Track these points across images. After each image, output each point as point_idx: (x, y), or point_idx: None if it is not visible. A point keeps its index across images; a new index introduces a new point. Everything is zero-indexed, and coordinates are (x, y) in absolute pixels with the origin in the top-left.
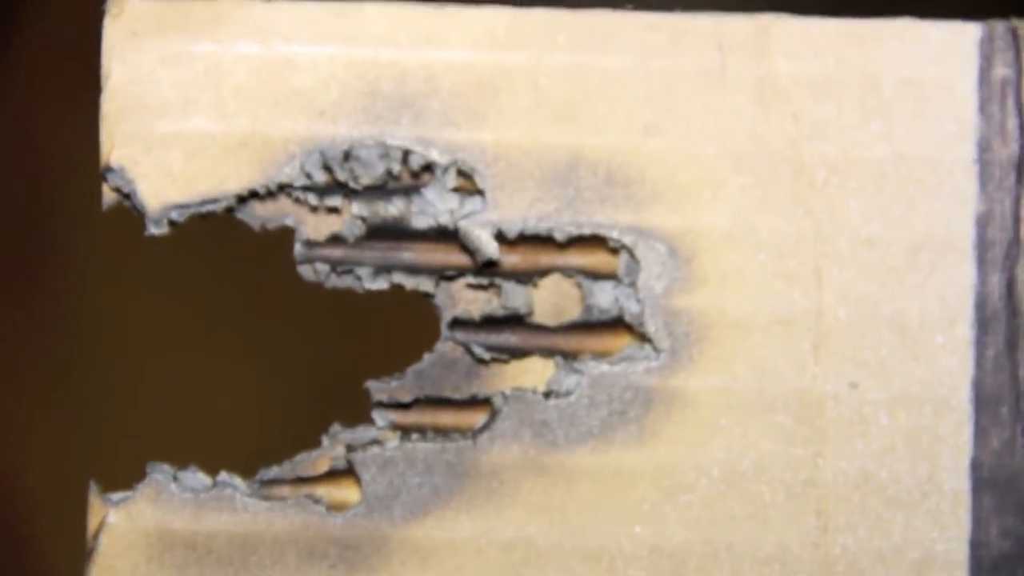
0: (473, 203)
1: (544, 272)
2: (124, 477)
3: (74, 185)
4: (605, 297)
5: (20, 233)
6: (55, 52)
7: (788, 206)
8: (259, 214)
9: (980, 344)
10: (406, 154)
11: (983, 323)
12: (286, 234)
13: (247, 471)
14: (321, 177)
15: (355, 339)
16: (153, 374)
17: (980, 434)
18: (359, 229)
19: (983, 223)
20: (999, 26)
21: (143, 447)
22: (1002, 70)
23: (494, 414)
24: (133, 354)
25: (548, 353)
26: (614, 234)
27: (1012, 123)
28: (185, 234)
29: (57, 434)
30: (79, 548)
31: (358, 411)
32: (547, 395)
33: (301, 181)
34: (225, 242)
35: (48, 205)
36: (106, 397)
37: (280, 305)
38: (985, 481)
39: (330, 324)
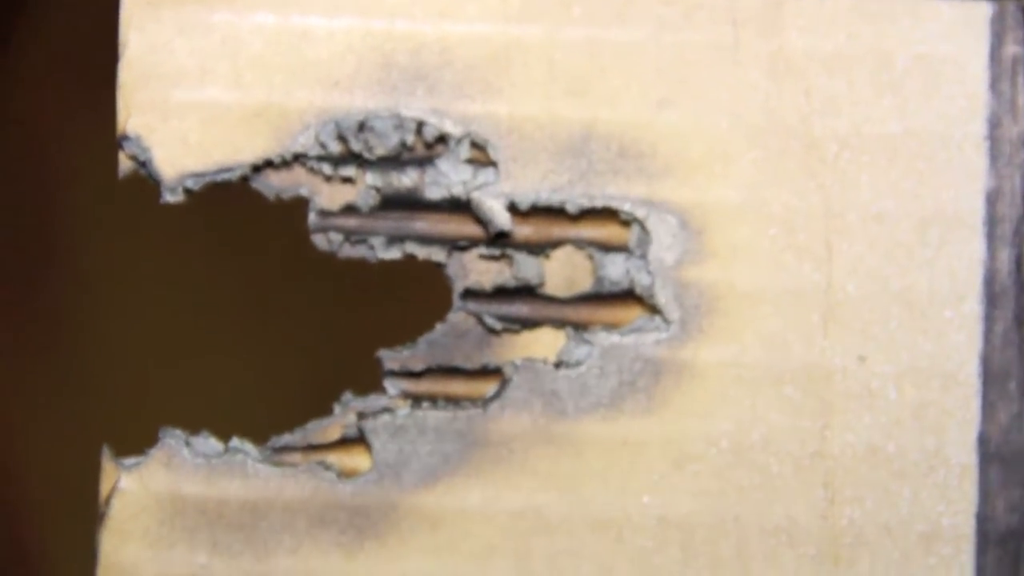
0: (486, 175)
1: (556, 244)
2: (136, 445)
3: (74, 182)
4: (616, 269)
5: (24, 217)
6: (56, 52)
7: (799, 180)
8: (274, 184)
9: (989, 319)
10: (420, 125)
11: (992, 298)
12: (297, 204)
13: (259, 439)
14: (336, 147)
15: (367, 308)
16: (164, 346)
17: (988, 408)
18: (373, 199)
19: (993, 199)
20: (1010, 4)
21: (155, 415)
22: (1013, 48)
23: (504, 383)
24: (144, 327)
25: (559, 324)
26: (626, 207)
27: (1022, 100)
28: (199, 202)
29: (68, 406)
30: (80, 526)
31: (370, 380)
32: (557, 365)
33: (316, 151)
34: (237, 211)
35: (50, 201)
36: (117, 368)
37: (292, 276)
38: (992, 455)
39: (342, 294)
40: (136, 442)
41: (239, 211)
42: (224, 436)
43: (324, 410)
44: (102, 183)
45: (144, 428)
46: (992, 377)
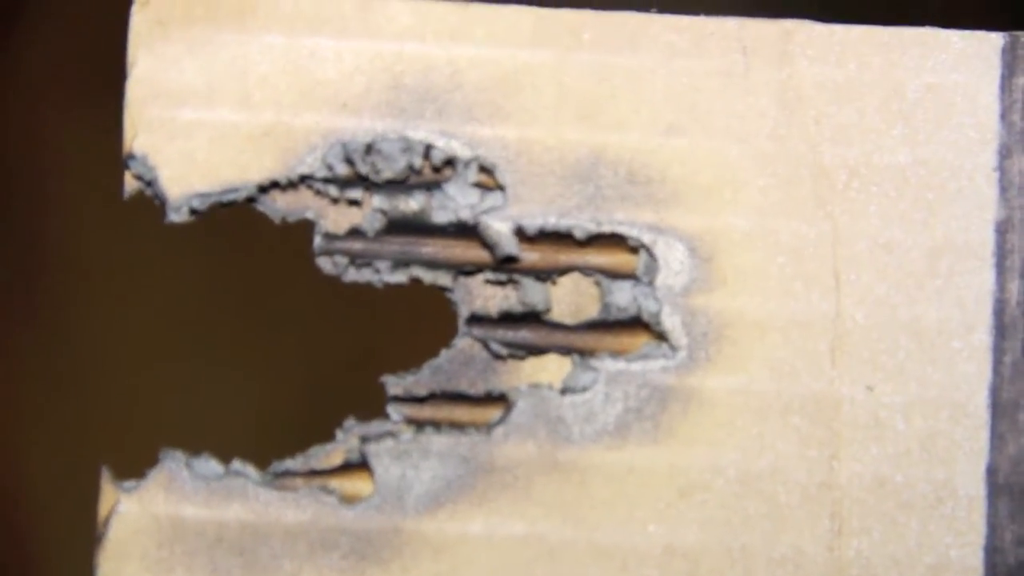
0: (494, 199)
1: (563, 270)
2: (135, 467)
3: (73, 184)
4: (624, 296)
5: (23, 220)
6: (55, 56)
7: (808, 209)
8: (279, 206)
9: (998, 350)
10: (428, 148)
11: (1001, 329)
12: (302, 226)
13: (261, 465)
14: (342, 169)
15: (371, 333)
16: (164, 367)
17: (997, 440)
18: (379, 223)
19: (1003, 230)
20: (1022, 36)
21: (154, 437)
22: (1023, 79)
23: (509, 409)
24: (142, 346)
25: (565, 351)
26: (634, 233)
27: None
28: (202, 222)
29: (65, 425)
30: (80, 544)
31: (373, 406)
32: (563, 392)
33: (322, 173)
34: (241, 232)
35: (49, 202)
36: (115, 388)
37: (296, 299)
38: (1001, 487)
39: (346, 318)
40: (147, 432)
41: (242, 235)
42: (225, 453)
43: (326, 435)
44: (101, 186)
45: (152, 419)
46: (1001, 408)
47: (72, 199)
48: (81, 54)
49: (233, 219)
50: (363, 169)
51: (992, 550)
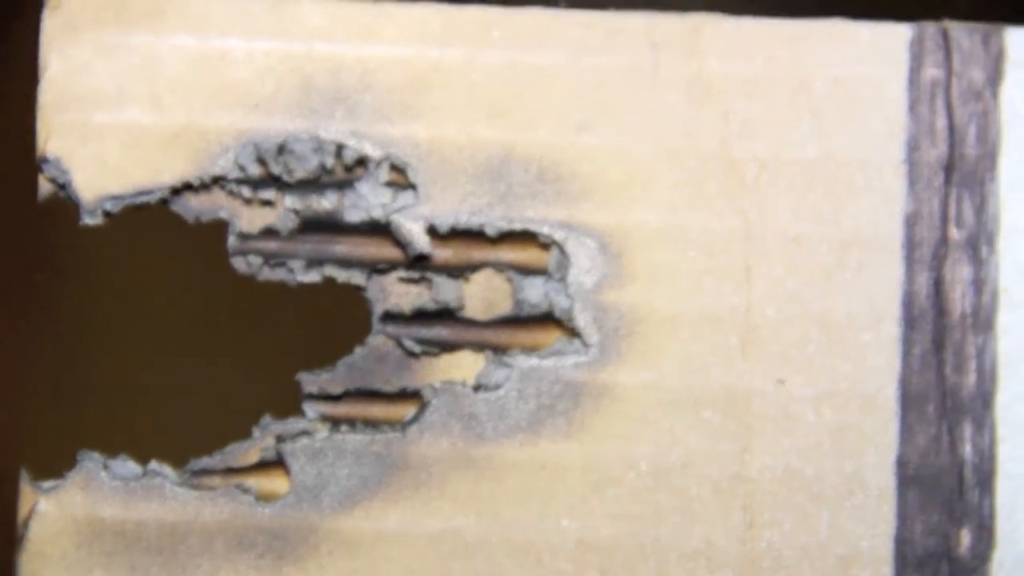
0: (406, 197)
1: (475, 267)
2: (56, 467)
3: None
4: (535, 292)
5: (21, 220)
6: None
7: (718, 203)
8: (193, 206)
9: (907, 342)
10: (340, 148)
11: (910, 321)
12: (217, 225)
13: (178, 462)
14: (255, 170)
15: (287, 331)
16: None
17: (906, 432)
18: (292, 222)
19: (911, 222)
20: (929, 27)
21: (74, 437)
22: (932, 71)
23: (423, 407)
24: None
25: (478, 347)
26: (545, 229)
27: (941, 123)
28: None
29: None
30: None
31: (289, 403)
32: (476, 388)
33: (235, 174)
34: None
35: (49, 201)
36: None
37: (213, 297)
38: (911, 478)
39: (261, 316)
40: (67, 432)
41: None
42: (142, 452)
43: (243, 433)
44: None
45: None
46: (911, 400)
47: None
48: None
49: (159, 217)
50: (275, 169)
51: (902, 541)
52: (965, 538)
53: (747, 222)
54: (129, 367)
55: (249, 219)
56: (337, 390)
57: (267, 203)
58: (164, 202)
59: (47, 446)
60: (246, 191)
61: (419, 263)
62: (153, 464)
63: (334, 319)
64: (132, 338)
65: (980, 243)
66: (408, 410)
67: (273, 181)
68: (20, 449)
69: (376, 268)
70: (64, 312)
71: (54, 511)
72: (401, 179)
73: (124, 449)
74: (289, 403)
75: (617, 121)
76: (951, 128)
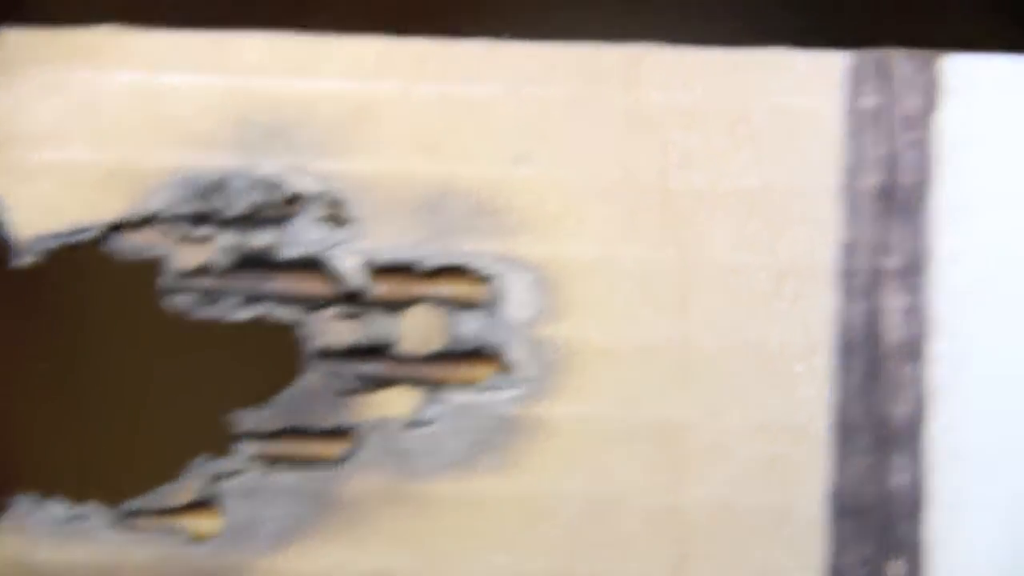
0: (343, 232)
1: (411, 301)
2: None
3: None
4: (471, 326)
5: None
6: None
7: (655, 235)
8: (129, 244)
9: (841, 372)
10: (277, 184)
11: (845, 351)
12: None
13: (112, 500)
14: (191, 207)
15: (221, 369)
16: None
17: (840, 462)
18: (228, 259)
19: (848, 252)
20: (867, 56)
21: (9, 477)
22: (869, 99)
23: (357, 444)
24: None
25: (413, 383)
26: (481, 263)
27: (878, 152)
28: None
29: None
30: None
31: (223, 441)
32: (411, 425)
33: (171, 211)
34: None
35: None
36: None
37: (146, 334)
38: (844, 509)
39: (195, 353)
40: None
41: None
42: (75, 491)
43: (177, 473)
44: None
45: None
46: (844, 430)
47: None
48: None
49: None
50: (212, 206)
51: (836, 572)
52: (899, 569)
53: (684, 253)
54: (61, 405)
55: (185, 257)
56: (271, 428)
57: (203, 240)
58: (101, 240)
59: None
60: (182, 228)
61: (355, 299)
62: (85, 506)
63: (269, 356)
64: (68, 374)
65: (914, 272)
66: (343, 447)
67: (209, 218)
68: None
69: (312, 304)
70: None
71: None
72: (339, 214)
73: (58, 488)
74: (223, 442)
75: (555, 153)
76: (888, 157)
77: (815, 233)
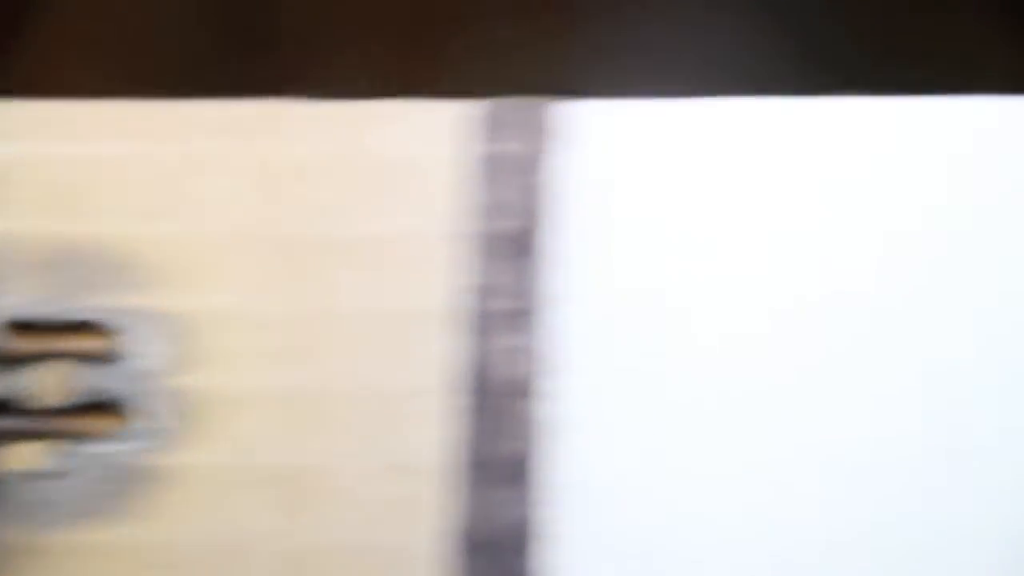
0: None
1: (44, 356)
2: None
3: None
4: (104, 379)
5: None
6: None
7: (285, 285)
8: None
9: (458, 412)
10: None
11: (460, 391)
12: None
13: None
14: None
15: None
16: None
17: (456, 500)
18: None
19: (470, 293)
20: (478, 105)
21: None
22: (481, 146)
23: None
24: None
25: (45, 436)
26: (110, 318)
27: (490, 198)
28: None
29: None
30: None
31: None
32: (43, 477)
33: None
34: None
35: None
36: None
37: None
38: (463, 545)
39: None
40: None
41: None
42: None
43: None
44: None
45: None
46: (459, 468)
47: None
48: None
49: None
50: None
51: None
52: None
53: (311, 302)
54: None
55: None
56: None
57: None
58: None
59: None
60: None
61: None
62: None
63: None
64: None
65: (524, 313)
66: None
67: None
68: None
69: None
70: None
71: None
72: None
73: None
74: None
75: (187, 208)
76: (498, 202)
77: (431, 277)
